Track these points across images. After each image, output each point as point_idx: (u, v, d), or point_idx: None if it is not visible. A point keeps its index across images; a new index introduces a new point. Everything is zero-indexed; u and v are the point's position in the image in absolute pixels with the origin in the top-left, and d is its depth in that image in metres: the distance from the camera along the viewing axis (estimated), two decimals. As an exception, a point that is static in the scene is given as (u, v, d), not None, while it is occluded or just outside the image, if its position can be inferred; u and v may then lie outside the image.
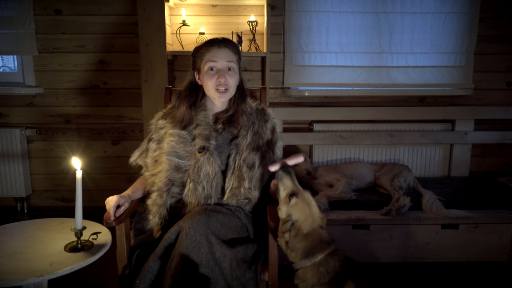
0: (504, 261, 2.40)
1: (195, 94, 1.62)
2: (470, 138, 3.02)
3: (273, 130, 1.64)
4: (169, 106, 1.69)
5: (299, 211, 1.35)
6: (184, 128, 1.57)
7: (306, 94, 3.03)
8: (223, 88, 1.55)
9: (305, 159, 2.70)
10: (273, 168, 1.45)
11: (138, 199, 1.61)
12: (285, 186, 1.39)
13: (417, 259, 2.39)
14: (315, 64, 2.99)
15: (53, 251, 1.38)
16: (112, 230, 1.47)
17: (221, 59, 1.53)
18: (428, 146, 3.06)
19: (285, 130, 3.03)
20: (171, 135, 1.56)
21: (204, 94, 1.63)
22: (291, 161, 1.46)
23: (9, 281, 1.20)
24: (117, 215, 1.43)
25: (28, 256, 1.35)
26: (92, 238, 1.45)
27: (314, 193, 2.58)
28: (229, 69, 1.55)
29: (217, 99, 1.59)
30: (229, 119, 1.60)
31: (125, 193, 1.52)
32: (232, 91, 1.59)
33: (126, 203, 1.47)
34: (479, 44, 2.99)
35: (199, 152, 1.52)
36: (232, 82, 1.56)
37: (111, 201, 1.43)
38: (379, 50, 2.98)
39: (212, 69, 1.54)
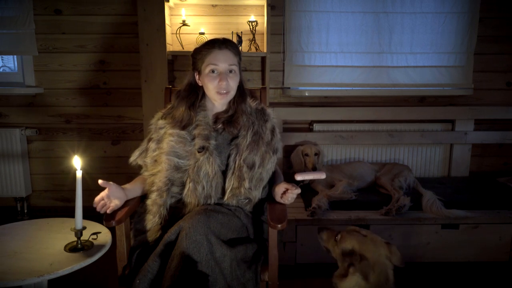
0: (504, 261, 2.40)
1: (195, 95, 1.62)
2: (470, 138, 3.02)
3: (273, 130, 1.64)
4: (169, 106, 1.69)
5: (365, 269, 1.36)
6: (183, 128, 1.57)
7: (306, 94, 3.03)
8: (224, 91, 1.55)
9: (309, 155, 2.72)
10: (299, 177, 1.44)
11: (138, 199, 1.61)
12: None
13: (417, 259, 2.39)
14: (315, 64, 2.99)
15: (53, 251, 1.38)
16: (112, 230, 1.47)
17: (223, 62, 1.53)
18: (428, 146, 3.06)
19: (285, 130, 3.03)
20: (170, 135, 1.57)
21: (203, 95, 1.63)
22: (315, 175, 1.47)
23: (9, 281, 1.20)
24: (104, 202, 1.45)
25: (28, 256, 1.35)
26: (92, 238, 1.45)
27: (315, 193, 2.59)
28: (230, 71, 1.55)
29: (218, 101, 1.59)
30: (229, 119, 1.60)
31: (123, 186, 1.54)
32: (233, 93, 1.59)
33: (115, 191, 1.48)
34: (479, 44, 2.99)
35: (198, 152, 1.52)
36: (233, 84, 1.57)
37: (97, 199, 1.46)
38: (379, 50, 2.98)
39: (213, 71, 1.54)
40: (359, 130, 3.02)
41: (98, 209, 1.45)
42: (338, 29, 2.95)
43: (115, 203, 1.47)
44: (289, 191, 1.48)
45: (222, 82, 1.52)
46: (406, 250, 2.38)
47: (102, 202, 1.45)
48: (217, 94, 1.55)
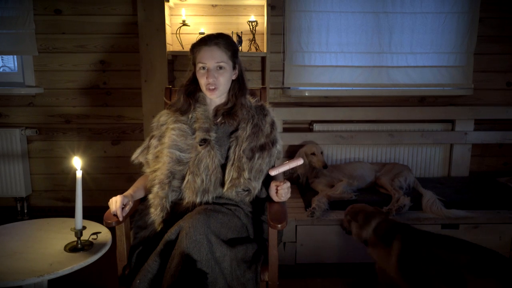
0: (504, 261, 2.40)
1: (194, 85, 1.66)
2: (470, 138, 3.02)
3: (272, 124, 1.65)
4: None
5: None
6: (182, 114, 1.61)
7: (306, 94, 3.03)
8: (212, 87, 1.58)
9: (316, 154, 2.71)
10: (273, 172, 1.47)
11: (138, 199, 1.61)
12: None
13: (417, 259, 2.39)
14: (315, 64, 2.99)
15: (53, 251, 1.39)
16: (112, 230, 1.47)
17: (210, 60, 1.57)
18: (428, 146, 3.06)
19: (285, 130, 3.03)
20: (172, 129, 1.59)
21: None
22: (291, 164, 1.47)
23: (9, 281, 1.20)
24: (123, 215, 1.44)
25: (28, 256, 1.35)
26: (92, 238, 1.45)
27: (315, 193, 2.58)
28: (220, 67, 1.58)
29: (208, 96, 1.63)
30: (228, 111, 1.63)
31: (127, 193, 1.53)
32: (222, 88, 1.61)
33: (130, 202, 1.49)
34: (479, 44, 2.99)
35: (200, 145, 1.53)
36: (222, 80, 1.59)
37: (116, 201, 1.44)
38: (379, 50, 2.98)
39: (203, 68, 1.58)
40: (359, 130, 3.02)
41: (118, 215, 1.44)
42: (338, 29, 2.95)
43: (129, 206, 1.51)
44: (279, 188, 1.50)
45: (209, 79, 1.57)
46: (406, 250, 2.38)
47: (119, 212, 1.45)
48: (207, 90, 1.60)
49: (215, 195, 1.55)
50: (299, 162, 1.47)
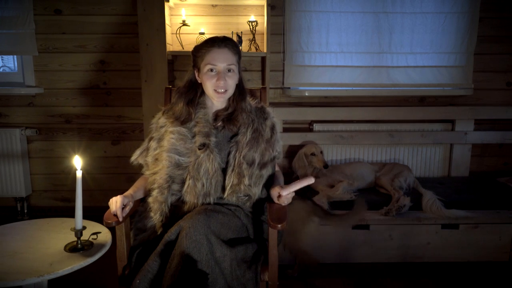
0: (504, 261, 2.40)
1: (194, 91, 1.64)
2: (470, 138, 3.02)
3: (272, 128, 1.64)
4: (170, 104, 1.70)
5: None
6: (182, 124, 1.58)
7: (306, 94, 3.03)
8: (222, 90, 1.56)
9: (317, 154, 2.71)
10: (285, 192, 1.46)
11: (138, 199, 1.61)
12: None
13: (417, 259, 2.39)
14: (315, 64, 2.99)
15: (53, 251, 1.39)
16: (112, 230, 1.47)
17: (221, 62, 1.54)
18: (428, 146, 3.06)
19: (285, 130, 3.03)
20: (171, 132, 1.57)
21: (203, 92, 1.64)
22: (302, 183, 1.46)
23: (9, 281, 1.20)
24: (124, 215, 1.43)
25: (28, 256, 1.35)
26: (92, 238, 1.45)
27: (315, 193, 2.58)
28: (229, 70, 1.56)
29: (216, 99, 1.61)
30: (228, 117, 1.61)
31: (127, 193, 1.53)
32: (231, 91, 1.60)
33: (130, 203, 1.48)
34: (479, 44, 2.99)
35: (199, 149, 1.53)
36: (231, 83, 1.58)
37: (116, 202, 1.44)
38: (379, 50, 2.98)
39: (212, 70, 1.55)
40: (359, 130, 3.02)
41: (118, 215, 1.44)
42: (338, 29, 2.95)
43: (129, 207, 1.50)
44: (282, 197, 1.49)
45: (220, 81, 1.54)
46: (406, 250, 2.38)
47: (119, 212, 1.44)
48: (215, 93, 1.57)
49: (216, 197, 1.54)
50: (310, 181, 1.46)
